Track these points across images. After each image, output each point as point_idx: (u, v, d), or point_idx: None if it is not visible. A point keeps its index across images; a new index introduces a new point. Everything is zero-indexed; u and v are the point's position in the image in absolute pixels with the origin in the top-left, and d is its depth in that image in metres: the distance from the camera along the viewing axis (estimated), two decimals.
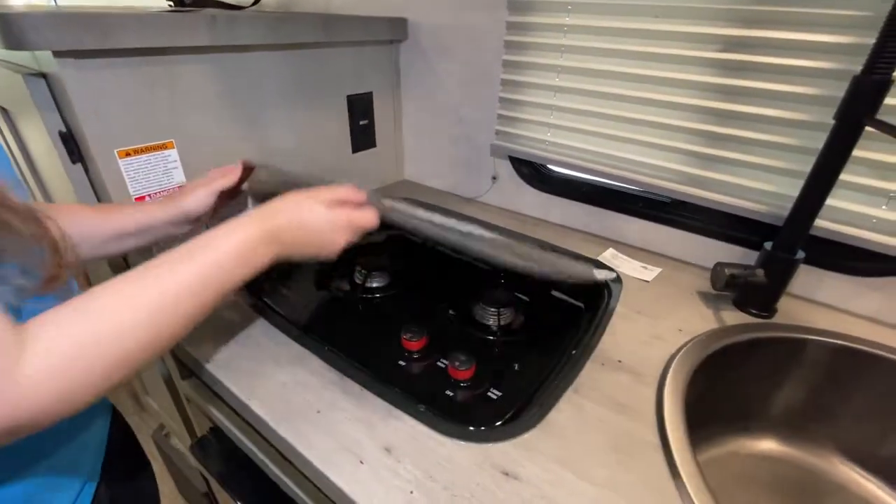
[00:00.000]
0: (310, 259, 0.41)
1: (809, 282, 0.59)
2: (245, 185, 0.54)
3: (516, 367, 0.51)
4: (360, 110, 0.82)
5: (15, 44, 0.43)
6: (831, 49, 0.49)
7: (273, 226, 0.37)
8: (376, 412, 0.41)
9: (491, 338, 0.55)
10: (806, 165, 0.49)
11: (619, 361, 0.48)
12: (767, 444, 0.56)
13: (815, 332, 0.52)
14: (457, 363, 0.47)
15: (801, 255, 0.53)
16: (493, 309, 0.58)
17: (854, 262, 0.55)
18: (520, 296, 0.62)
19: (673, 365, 0.46)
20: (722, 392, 0.53)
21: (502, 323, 0.57)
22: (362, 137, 0.85)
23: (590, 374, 0.46)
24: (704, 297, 0.60)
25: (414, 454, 0.37)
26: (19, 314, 0.27)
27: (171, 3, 0.87)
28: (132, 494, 0.50)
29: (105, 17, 0.47)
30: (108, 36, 0.48)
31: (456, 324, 0.58)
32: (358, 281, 0.66)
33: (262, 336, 0.51)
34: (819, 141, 0.47)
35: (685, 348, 0.49)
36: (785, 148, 0.54)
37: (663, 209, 0.68)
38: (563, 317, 0.60)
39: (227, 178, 0.51)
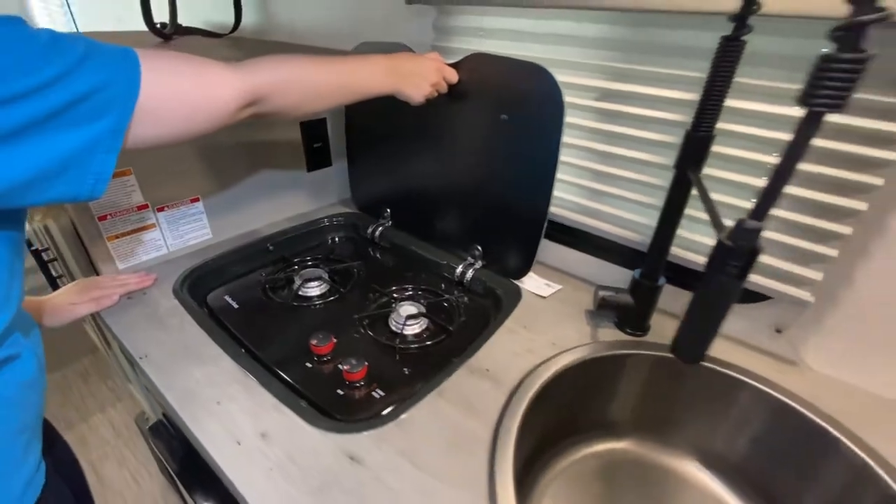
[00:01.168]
0: (409, 96, 0.59)
1: (682, 302, 0.65)
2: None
3: (406, 372, 0.59)
4: (313, 134, 0.91)
5: None
6: (678, 104, 0.56)
7: (396, 63, 0.57)
8: (265, 406, 0.50)
9: (392, 345, 0.64)
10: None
11: (487, 370, 0.56)
12: (624, 445, 0.63)
13: (653, 346, 0.59)
14: (348, 366, 0.56)
15: (662, 281, 0.60)
16: (400, 321, 0.66)
17: None
18: (426, 307, 0.70)
19: (530, 376, 0.54)
20: (581, 400, 0.60)
21: (406, 333, 0.65)
22: (316, 158, 0.94)
23: (458, 379, 0.54)
24: (591, 315, 0.67)
25: (284, 441, 0.46)
26: None
27: (154, 32, 0.97)
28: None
29: None
30: None
31: (367, 331, 0.67)
32: (294, 289, 0.75)
33: (193, 339, 0.60)
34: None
35: (549, 361, 0.57)
36: (650, 186, 0.61)
37: (572, 234, 0.75)
38: (463, 326, 0.68)
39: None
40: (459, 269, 0.76)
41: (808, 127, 0.28)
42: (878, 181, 0.46)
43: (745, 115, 0.52)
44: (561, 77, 0.56)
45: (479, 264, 0.76)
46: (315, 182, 0.96)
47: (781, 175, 0.30)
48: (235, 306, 0.72)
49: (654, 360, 0.59)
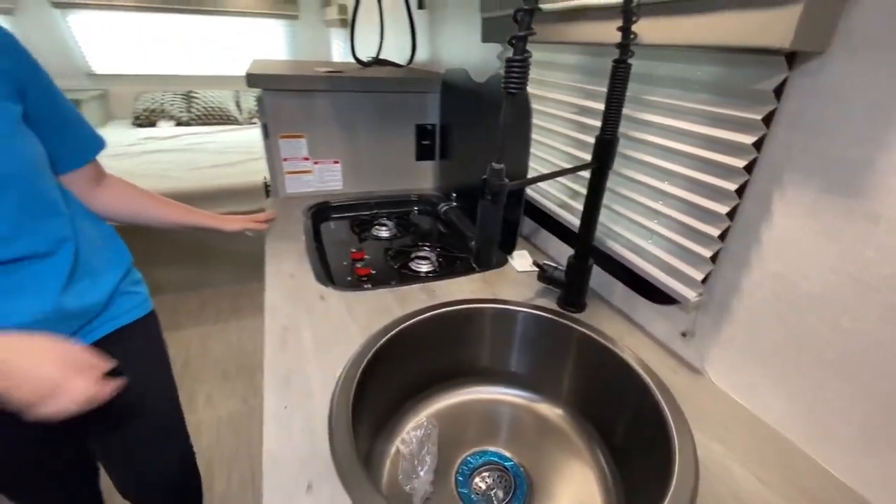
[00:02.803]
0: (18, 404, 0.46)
1: (617, 294, 0.73)
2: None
3: (392, 284, 0.86)
4: (424, 134, 1.27)
5: (252, 84, 1.06)
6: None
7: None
8: (305, 265, 0.85)
9: (397, 269, 0.91)
10: None
11: (434, 292, 0.78)
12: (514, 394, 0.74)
13: (576, 322, 0.69)
14: (361, 265, 0.87)
15: (590, 262, 0.70)
16: (413, 257, 0.93)
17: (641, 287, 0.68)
18: (438, 257, 0.95)
19: (456, 305, 0.74)
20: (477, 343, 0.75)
21: (414, 266, 0.92)
22: (424, 152, 1.29)
23: (410, 290, 0.78)
24: (545, 290, 0.79)
25: (306, 279, 0.79)
26: None
27: (357, 62, 1.50)
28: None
29: (282, 77, 1.07)
30: (282, 83, 1.07)
31: (388, 258, 0.96)
32: (371, 229, 1.10)
33: (300, 234, 1.00)
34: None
35: (480, 301, 0.75)
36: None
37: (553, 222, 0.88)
38: (451, 272, 0.90)
39: (256, 224, 0.95)
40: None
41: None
42: (730, 186, 0.50)
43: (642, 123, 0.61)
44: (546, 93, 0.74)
45: None
46: (418, 169, 1.31)
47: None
48: (332, 227, 1.11)
49: (577, 334, 0.69)
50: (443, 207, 1.19)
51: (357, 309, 0.71)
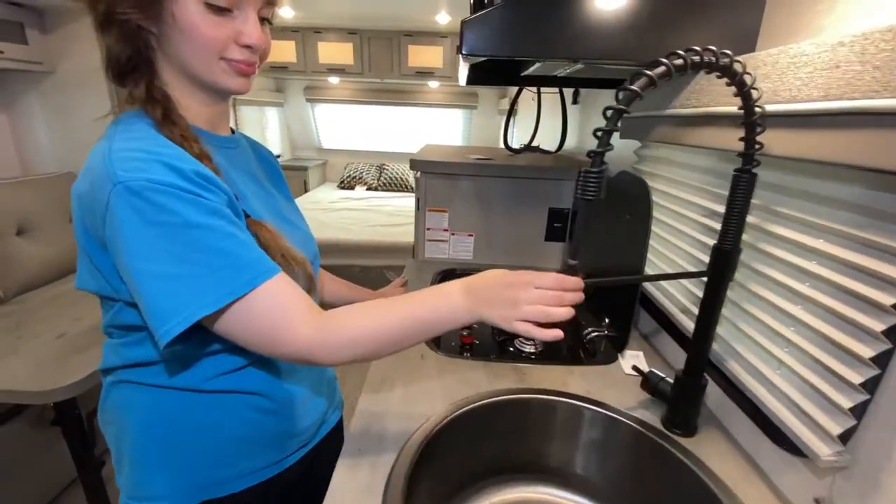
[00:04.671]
0: (494, 323, 0.49)
1: (739, 425, 0.60)
2: None
3: (491, 357, 0.89)
4: (557, 217, 1.31)
5: (413, 167, 1.28)
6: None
7: (475, 283, 0.51)
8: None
9: (502, 344, 0.94)
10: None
11: (524, 375, 0.78)
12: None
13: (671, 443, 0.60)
14: (466, 332, 0.93)
15: (704, 380, 0.61)
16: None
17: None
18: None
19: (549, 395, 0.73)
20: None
21: (519, 345, 0.94)
22: (554, 233, 1.32)
23: (497, 368, 0.80)
24: (651, 400, 0.71)
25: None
26: None
27: (508, 149, 1.66)
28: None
29: (436, 163, 1.26)
30: (435, 167, 1.26)
31: (495, 330, 1.00)
32: None
33: None
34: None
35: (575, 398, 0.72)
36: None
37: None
38: (554, 359, 0.89)
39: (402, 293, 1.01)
40: (588, 330, 0.95)
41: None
42: (877, 326, 0.40)
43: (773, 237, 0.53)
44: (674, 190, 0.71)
45: (604, 332, 0.92)
46: (546, 249, 1.34)
47: None
48: None
49: (680, 466, 0.61)
50: None
51: (448, 375, 0.77)
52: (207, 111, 0.56)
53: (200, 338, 0.50)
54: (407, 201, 3.60)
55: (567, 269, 0.51)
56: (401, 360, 0.80)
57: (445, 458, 0.65)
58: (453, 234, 1.34)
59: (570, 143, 1.61)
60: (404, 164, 4.17)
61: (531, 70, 0.98)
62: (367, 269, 2.55)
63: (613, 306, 0.91)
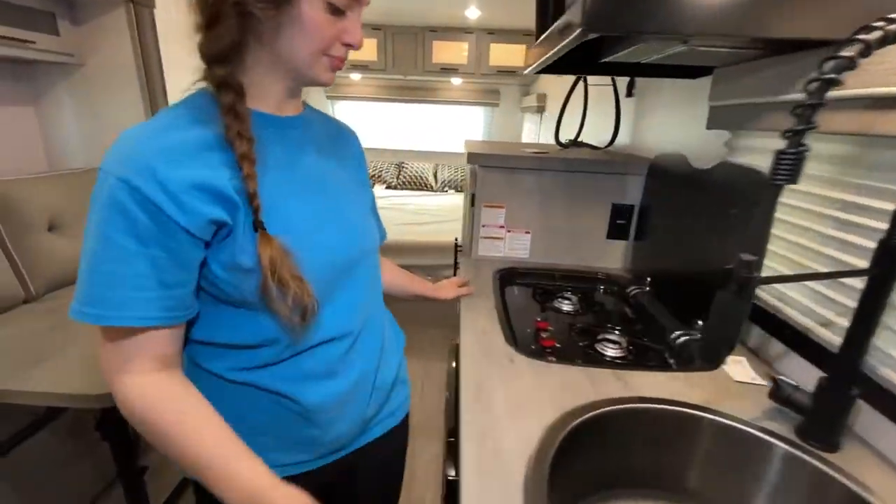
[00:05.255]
0: None
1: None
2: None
3: (577, 362, 0.83)
4: (620, 213, 1.25)
5: (471, 161, 1.22)
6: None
7: (270, 499, 0.46)
8: (494, 321, 0.89)
9: (584, 348, 0.88)
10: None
11: (626, 383, 0.72)
12: None
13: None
14: (547, 335, 0.87)
15: (853, 392, 0.55)
16: (600, 338, 0.89)
17: None
18: (629, 344, 0.88)
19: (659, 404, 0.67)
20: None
21: (599, 349, 0.88)
22: (616, 231, 1.26)
23: (600, 374, 0.74)
24: (774, 411, 0.65)
25: (492, 334, 0.83)
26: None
27: (557, 144, 1.60)
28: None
29: (496, 156, 1.20)
30: (495, 161, 1.20)
31: (574, 333, 0.93)
32: (552, 300, 1.11)
33: (488, 290, 1.07)
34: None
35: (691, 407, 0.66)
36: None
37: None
38: (644, 365, 0.82)
39: (466, 290, 1.00)
40: (676, 334, 0.88)
41: None
42: None
43: None
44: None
45: (695, 336, 0.86)
46: (607, 247, 1.28)
47: None
48: (516, 293, 1.15)
49: (837, 487, 0.55)
50: (632, 290, 1.12)
51: (548, 381, 0.71)
52: (282, 97, 0.56)
53: (213, 330, 0.53)
54: (428, 200, 3.54)
55: (741, 265, 0.45)
56: (491, 363, 0.75)
57: (567, 472, 0.59)
58: (509, 231, 1.28)
59: (622, 139, 1.55)
60: (424, 163, 4.11)
61: (615, 57, 0.92)
62: None
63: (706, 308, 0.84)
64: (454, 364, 0.92)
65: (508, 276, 1.21)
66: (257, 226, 0.49)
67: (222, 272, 0.49)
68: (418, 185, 4.00)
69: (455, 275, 1.23)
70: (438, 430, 1.85)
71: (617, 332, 0.92)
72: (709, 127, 0.95)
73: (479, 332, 0.86)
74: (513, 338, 0.85)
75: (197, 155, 0.47)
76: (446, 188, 4.00)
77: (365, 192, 0.70)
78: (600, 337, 0.90)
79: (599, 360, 0.83)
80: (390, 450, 0.74)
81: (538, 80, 3.36)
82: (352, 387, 0.61)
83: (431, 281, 1.00)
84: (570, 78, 2.62)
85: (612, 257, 1.29)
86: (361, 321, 0.62)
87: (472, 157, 1.22)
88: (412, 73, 3.42)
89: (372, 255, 0.66)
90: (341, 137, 0.69)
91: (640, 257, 1.19)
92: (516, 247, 1.30)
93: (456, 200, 3.51)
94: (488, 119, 4.14)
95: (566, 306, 1.08)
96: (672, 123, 1.21)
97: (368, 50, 3.33)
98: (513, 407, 0.64)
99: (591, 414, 0.61)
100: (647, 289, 1.10)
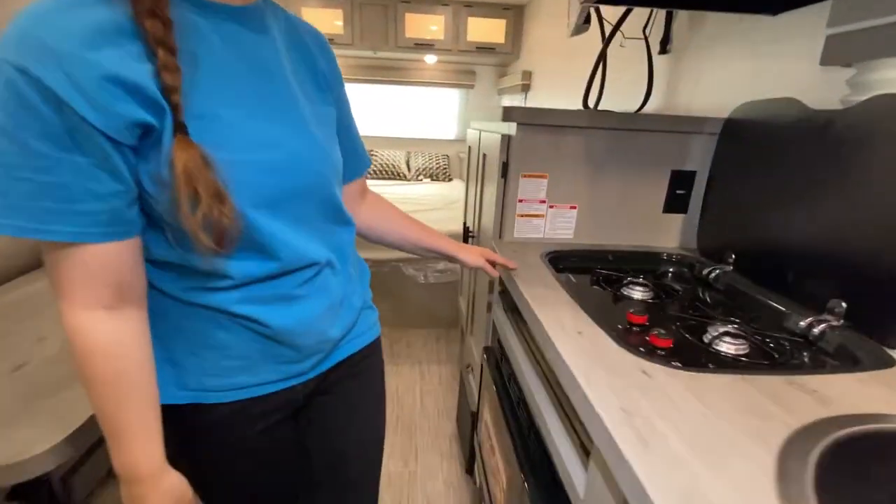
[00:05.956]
0: None
1: None
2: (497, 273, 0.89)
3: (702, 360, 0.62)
4: (680, 182, 1.05)
5: (507, 118, 0.98)
6: None
7: (153, 484, 0.48)
8: (582, 320, 0.66)
9: (697, 343, 0.67)
10: None
11: (815, 391, 0.51)
12: None
13: None
14: (656, 333, 0.65)
15: None
16: (714, 334, 0.69)
17: None
18: (749, 340, 0.69)
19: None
20: None
21: (714, 346, 0.67)
22: (675, 203, 1.07)
23: (766, 382, 0.53)
24: None
25: (592, 338, 0.60)
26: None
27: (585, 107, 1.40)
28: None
29: (541, 112, 0.97)
30: (540, 117, 0.97)
31: (676, 326, 0.73)
32: (620, 287, 0.89)
33: (545, 279, 0.84)
34: None
35: None
36: None
37: None
38: (792, 366, 0.63)
39: (492, 267, 0.86)
40: (807, 321, 0.70)
41: None
42: None
43: None
44: None
45: (837, 321, 0.67)
46: (663, 222, 1.09)
47: None
48: (573, 280, 0.93)
49: None
50: (713, 271, 0.93)
51: (711, 399, 0.49)
52: None
53: (153, 245, 0.48)
54: (404, 189, 3.26)
55: None
56: (624, 381, 0.51)
57: None
58: (551, 207, 1.06)
59: (656, 102, 1.37)
60: (395, 150, 3.81)
61: None
62: (380, 262, 2.21)
63: (861, 285, 0.66)
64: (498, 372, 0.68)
65: (558, 261, 0.99)
66: (177, 128, 0.41)
67: (150, 185, 0.43)
68: (390, 174, 3.70)
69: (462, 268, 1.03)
70: (451, 454, 1.61)
71: (735, 324, 0.72)
72: (824, 63, 0.76)
73: (572, 332, 0.63)
74: (624, 340, 0.62)
75: (111, 40, 0.38)
76: (420, 177, 3.73)
77: (328, 106, 0.61)
78: (714, 331, 0.69)
79: (734, 363, 0.63)
80: (366, 367, 0.72)
81: (520, 59, 3.17)
82: (321, 311, 0.58)
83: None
84: (558, 54, 2.45)
85: (670, 235, 1.10)
86: (325, 253, 0.57)
87: (512, 114, 0.98)
88: (383, 48, 3.11)
89: (333, 180, 0.58)
90: (303, 39, 0.58)
91: (713, 231, 1.00)
92: (559, 226, 1.08)
93: (431, 190, 3.26)
94: (464, 102, 3.90)
95: (638, 294, 0.87)
96: (742, 74, 1.02)
97: (333, 22, 2.99)
98: (699, 447, 0.41)
99: (832, 440, 0.40)
100: (730, 268, 0.92)
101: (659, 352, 0.64)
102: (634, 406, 0.47)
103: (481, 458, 1.11)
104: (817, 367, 0.62)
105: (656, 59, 1.32)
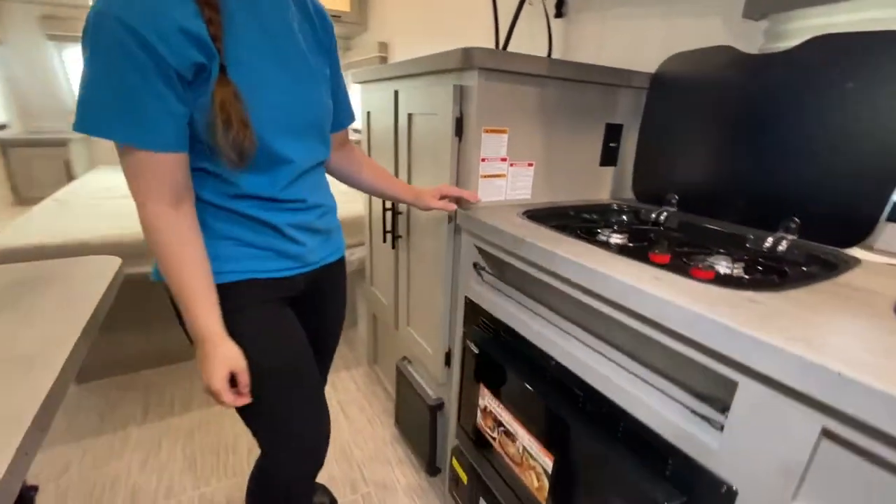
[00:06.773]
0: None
1: None
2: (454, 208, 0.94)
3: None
4: (612, 136, 1.11)
5: (467, 63, 0.86)
6: None
7: (202, 349, 0.64)
8: (645, 269, 0.62)
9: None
10: None
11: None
12: None
13: None
14: (700, 265, 0.65)
15: None
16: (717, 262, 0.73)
17: None
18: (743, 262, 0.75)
19: None
20: None
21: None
22: (608, 156, 1.13)
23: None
24: None
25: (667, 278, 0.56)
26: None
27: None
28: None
29: (509, 56, 0.88)
30: (506, 62, 0.88)
31: (684, 259, 0.75)
32: (596, 235, 0.89)
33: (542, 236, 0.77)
34: None
35: None
36: None
37: None
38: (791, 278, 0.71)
39: (450, 203, 0.94)
40: (770, 239, 0.80)
41: None
42: None
43: None
44: None
45: (793, 237, 0.79)
46: (599, 176, 1.14)
47: None
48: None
49: None
50: (659, 214, 1.01)
51: (810, 304, 0.49)
52: None
53: (195, 160, 0.64)
54: None
55: None
56: (741, 311, 0.48)
57: None
58: (512, 166, 0.99)
59: (557, 48, 1.42)
60: None
61: None
62: None
63: (809, 203, 0.78)
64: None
65: (537, 220, 0.93)
66: (220, 69, 0.58)
67: (196, 112, 0.60)
68: None
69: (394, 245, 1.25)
70: (401, 460, 1.44)
71: (720, 253, 0.78)
72: (746, 15, 0.88)
73: (646, 278, 0.58)
74: (689, 276, 0.60)
75: (179, 1, 0.55)
76: None
77: (324, 66, 0.78)
78: (708, 262, 0.74)
79: (756, 285, 0.67)
80: (337, 274, 0.91)
81: (370, 30, 2.97)
82: (314, 218, 0.78)
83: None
84: (417, 24, 2.38)
85: (604, 187, 1.16)
86: (320, 155, 0.78)
87: (473, 56, 0.85)
88: None
89: (323, 127, 0.77)
90: (308, 9, 0.75)
91: (650, 178, 1.08)
92: (519, 186, 1.02)
93: None
94: None
95: (616, 240, 0.88)
96: (654, 32, 1.12)
97: None
98: (879, 352, 0.40)
99: None
100: (674, 209, 1.01)
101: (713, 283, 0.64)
102: (797, 334, 0.44)
103: (480, 452, 1.00)
104: (809, 278, 0.71)
105: (554, 22, 1.36)
